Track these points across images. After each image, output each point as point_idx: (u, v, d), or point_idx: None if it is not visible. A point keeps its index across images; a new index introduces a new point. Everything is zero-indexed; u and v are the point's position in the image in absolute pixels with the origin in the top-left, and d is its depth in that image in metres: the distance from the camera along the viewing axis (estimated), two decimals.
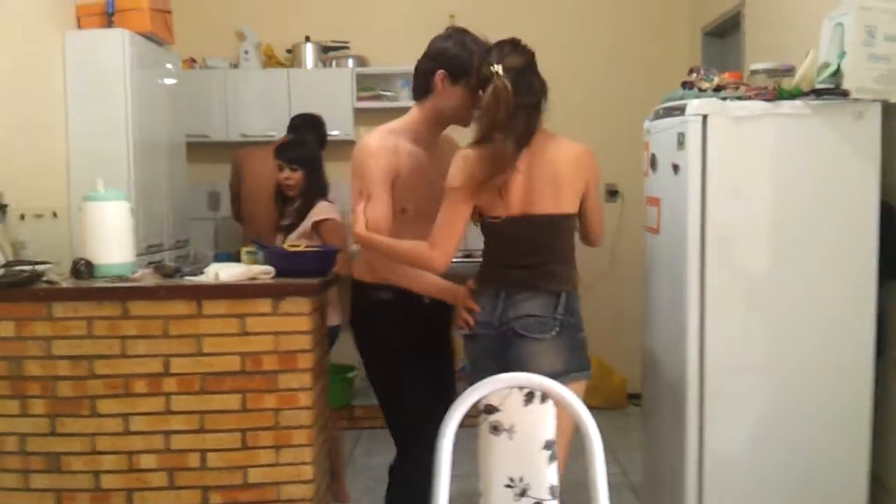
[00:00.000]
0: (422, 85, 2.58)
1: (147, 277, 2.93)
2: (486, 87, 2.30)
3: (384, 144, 2.52)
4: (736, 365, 2.73)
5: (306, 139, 4.04)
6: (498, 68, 2.27)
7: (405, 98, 5.29)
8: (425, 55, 2.60)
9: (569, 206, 2.41)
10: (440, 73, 2.51)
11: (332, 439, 4.05)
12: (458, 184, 2.34)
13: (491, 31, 2.53)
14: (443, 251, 2.37)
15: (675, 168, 2.84)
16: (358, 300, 2.72)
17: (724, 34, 4.81)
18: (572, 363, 2.37)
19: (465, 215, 2.39)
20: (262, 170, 4.58)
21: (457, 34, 2.55)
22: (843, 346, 2.72)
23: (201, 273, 2.89)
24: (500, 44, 2.38)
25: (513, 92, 2.26)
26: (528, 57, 2.37)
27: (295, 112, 5.08)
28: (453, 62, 2.50)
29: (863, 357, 2.71)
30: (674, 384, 2.85)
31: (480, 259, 2.55)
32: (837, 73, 2.66)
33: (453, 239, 2.38)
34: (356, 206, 2.50)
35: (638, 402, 3.04)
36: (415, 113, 2.62)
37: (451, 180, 2.36)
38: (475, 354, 2.49)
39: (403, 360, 2.65)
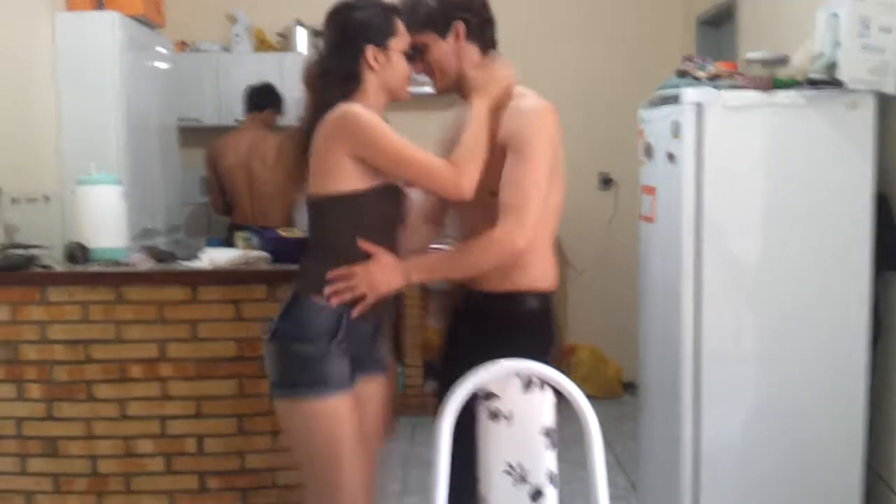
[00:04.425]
0: None
1: (141, 262, 2.92)
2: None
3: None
4: (731, 354, 2.75)
5: None
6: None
7: None
8: None
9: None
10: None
11: None
12: None
13: None
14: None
15: (671, 157, 2.85)
16: None
17: (719, 23, 4.81)
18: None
19: None
20: (238, 154, 4.58)
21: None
22: (839, 336, 2.74)
23: (196, 258, 2.89)
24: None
25: None
26: None
27: (289, 96, 5.05)
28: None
29: (858, 346, 2.73)
30: (669, 373, 2.87)
31: None
32: (832, 64, 2.67)
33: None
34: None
35: (633, 391, 3.04)
36: None
37: None
38: None
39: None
